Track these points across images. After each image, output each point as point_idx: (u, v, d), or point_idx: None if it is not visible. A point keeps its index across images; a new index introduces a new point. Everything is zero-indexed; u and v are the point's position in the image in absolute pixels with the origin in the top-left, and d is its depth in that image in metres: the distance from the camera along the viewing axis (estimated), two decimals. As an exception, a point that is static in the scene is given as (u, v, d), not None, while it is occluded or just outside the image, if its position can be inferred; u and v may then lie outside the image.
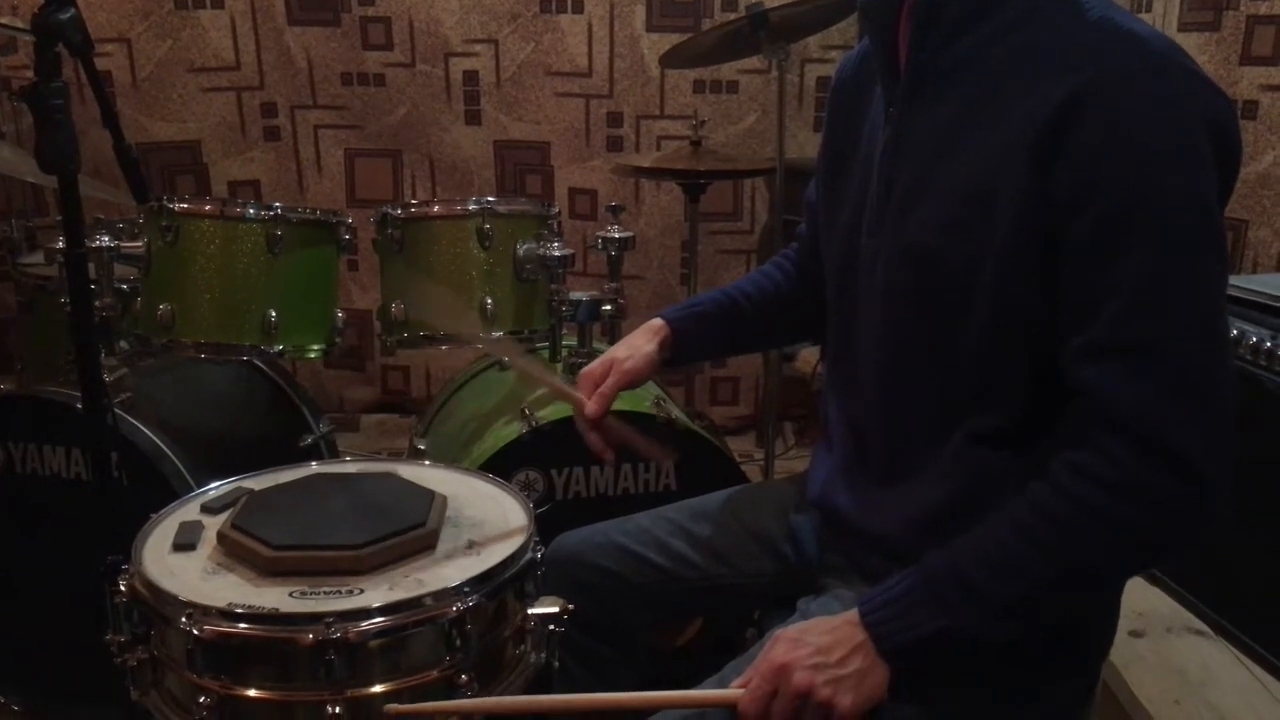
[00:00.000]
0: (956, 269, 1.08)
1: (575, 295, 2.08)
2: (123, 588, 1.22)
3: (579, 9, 3.31)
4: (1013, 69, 1.05)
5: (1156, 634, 1.85)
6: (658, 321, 1.46)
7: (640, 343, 1.44)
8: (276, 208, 1.98)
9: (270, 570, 1.21)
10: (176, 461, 1.92)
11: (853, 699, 1.03)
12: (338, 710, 1.12)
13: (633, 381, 1.41)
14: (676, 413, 2.04)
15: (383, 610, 1.14)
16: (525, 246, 2.05)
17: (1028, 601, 1.03)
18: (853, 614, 1.06)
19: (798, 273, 1.50)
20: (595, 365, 1.42)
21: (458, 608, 1.16)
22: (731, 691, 1.08)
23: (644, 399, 1.99)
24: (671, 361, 1.47)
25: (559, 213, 2.14)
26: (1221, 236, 1.01)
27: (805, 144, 3.41)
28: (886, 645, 1.04)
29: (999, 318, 1.06)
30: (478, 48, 3.38)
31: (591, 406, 1.38)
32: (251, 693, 1.14)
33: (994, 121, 1.05)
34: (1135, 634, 1.84)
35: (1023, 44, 1.05)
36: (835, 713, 1.03)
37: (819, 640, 1.05)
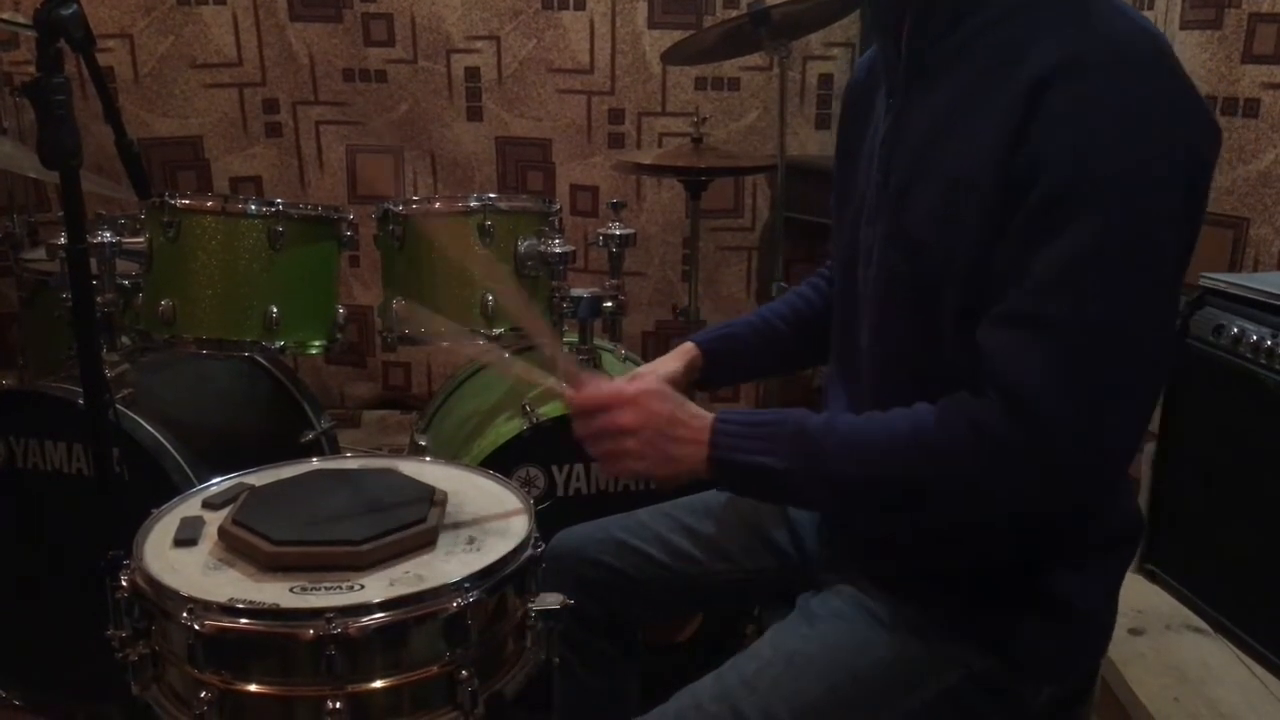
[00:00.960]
0: (940, 257, 1.08)
1: (576, 292, 2.08)
2: (124, 583, 1.22)
3: (581, 6, 3.30)
4: (1002, 58, 1.05)
5: (1156, 631, 1.85)
6: (689, 344, 1.48)
7: (668, 362, 1.46)
8: (278, 204, 1.99)
9: (271, 566, 1.21)
10: (178, 457, 1.93)
11: (646, 466, 1.10)
12: (338, 705, 1.12)
13: None
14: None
15: (383, 606, 1.14)
16: (526, 243, 2.05)
17: (856, 490, 1.05)
18: (716, 416, 1.11)
19: (831, 289, 1.50)
20: (622, 380, 1.42)
21: (458, 603, 1.16)
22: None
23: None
24: (704, 383, 1.48)
25: (560, 209, 2.14)
26: (1174, 228, 0.98)
27: (807, 141, 3.41)
28: (714, 453, 1.08)
29: (973, 305, 1.06)
30: (479, 44, 3.38)
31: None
32: (252, 688, 1.14)
33: (980, 110, 1.05)
34: (1135, 631, 1.85)
35: (1013, 34, 1.05)
36: (627, 465, 1.12)
37: (674, 409, 1.12)
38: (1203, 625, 1.87)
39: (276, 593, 1.16)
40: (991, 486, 1.02)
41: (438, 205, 2.10)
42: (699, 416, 1.13)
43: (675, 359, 1.46)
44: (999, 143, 1.01)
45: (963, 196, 1.05)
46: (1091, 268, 0.96)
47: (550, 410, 1.92)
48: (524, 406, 1.94)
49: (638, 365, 2.37)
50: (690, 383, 1.45)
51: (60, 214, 1.42)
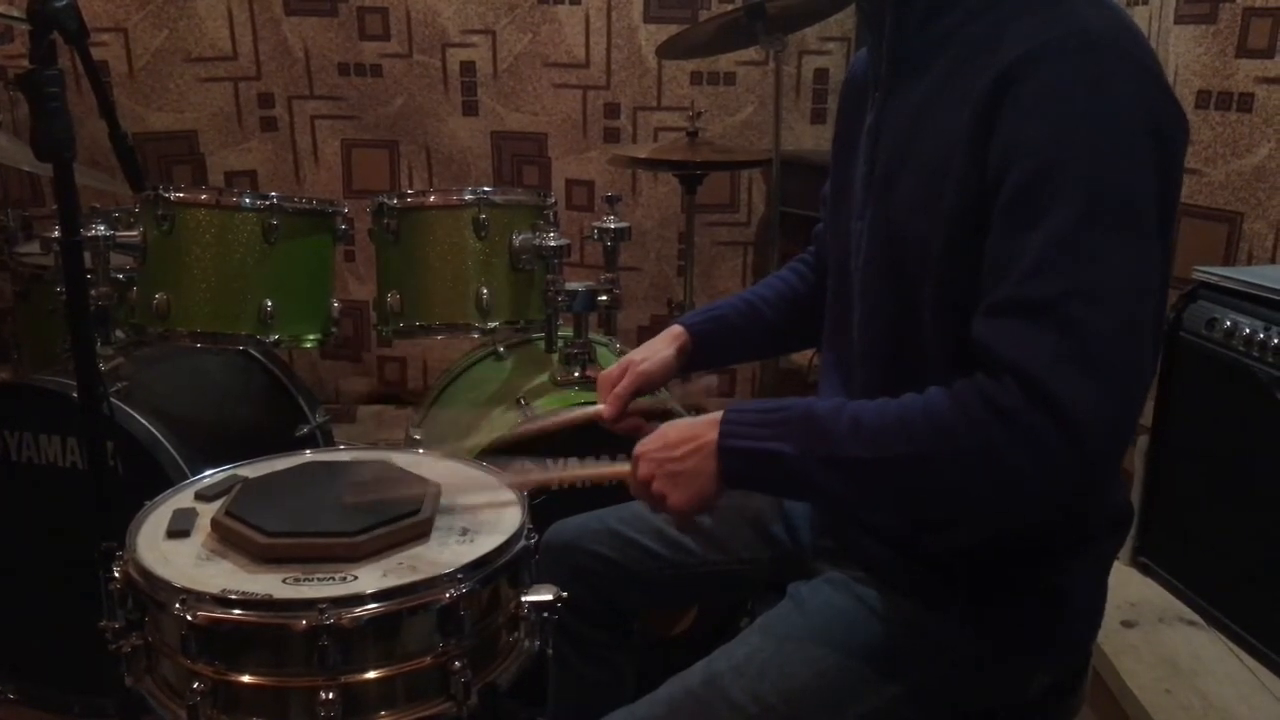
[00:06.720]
0: (918, 247, 1.09)
1: (571, 286, 2.08)
2: (117, 574, 1.22)
3: (576, 0, 3.30)
4: (976, 51, 1.05)
5: (1148, 624, 1.86)
6: (677, 328, 1.49)
7: (659, 348, 1.46)
8: (272, 197, 1.98)
9: (264, 557, 1.21)
10: (172, 450, 1.92)
11: (681, 495, 1.10)
12: (331, 696, 1.12)
13: (647, 385, 1.44)
14: (673, 403, 2.05)
15: (376, 596, 1.14)
16: (521, 237, 2.05)
17: (871, 474, 1.01)
18: (720, 412, 1.10)
19: (814, 274, 1.51)
20: (613, 369, 1.45)
21: (451, 594, 1.17)
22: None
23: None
24: (691, 366, 1.49)
25: (555, 203, 2.15)
26: (1151, 214, 0.98)
27: (802, 136, 3.41)
28: (725, 444, 1.07)
29: (947, 295, 1.06)
30: (475, 38, 3.38)
31: (606, 410, 1.41)
32: (245, 678, 1.14)
33: (954, 101, 1.05)
34: (1127, 624, 1.85)
35: (988, 28, 1.05)
36: (666, 505, 1.11)
37: (673, 434, 1.12)
38: (1195, 618, 1.88)
39: (269, 584, 1.16)
40: (1017, 462, 0.96)
41: (432, 198, 2.09)
42: (696, 424, 1.11)
43: (666, 344, 1.47)
44: (969, 134, 1.01)
45: (937, 187, 1.06)
46: (1076, 245, 0.95)
47: (545, 404, 1.92)
48: (519, 400, 1.94)
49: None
50: (679, 366, 1.46)
51: (54, 207, 1.42)
